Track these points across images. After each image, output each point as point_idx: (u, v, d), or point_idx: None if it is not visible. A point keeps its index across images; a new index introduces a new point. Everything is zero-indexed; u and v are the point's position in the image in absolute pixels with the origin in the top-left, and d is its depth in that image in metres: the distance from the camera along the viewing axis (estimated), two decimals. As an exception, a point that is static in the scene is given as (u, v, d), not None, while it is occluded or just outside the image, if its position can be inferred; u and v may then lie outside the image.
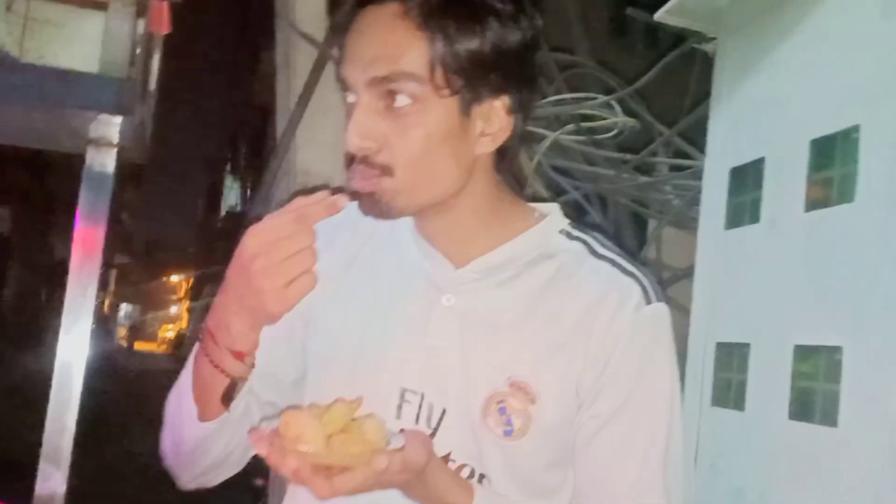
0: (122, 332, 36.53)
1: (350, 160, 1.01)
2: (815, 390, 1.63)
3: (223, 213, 26.40)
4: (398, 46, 0.97)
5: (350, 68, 1.00)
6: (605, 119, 2.50)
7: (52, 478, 1.76)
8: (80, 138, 1.83)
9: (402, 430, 1.00)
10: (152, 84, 2.00)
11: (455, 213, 1.08)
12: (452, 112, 1.00)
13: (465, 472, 1.05)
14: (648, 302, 1.07)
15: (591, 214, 2.73)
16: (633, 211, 2.83)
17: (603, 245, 1.14)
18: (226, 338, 1.00)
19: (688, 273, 2.71)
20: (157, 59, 2.03)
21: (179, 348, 13.75)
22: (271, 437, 0.89)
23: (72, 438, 1.81)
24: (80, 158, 1.88)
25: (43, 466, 1.78)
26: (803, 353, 1.67)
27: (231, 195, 25.99)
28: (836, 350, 1.57)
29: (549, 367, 1.05)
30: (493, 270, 1.09)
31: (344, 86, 1.02)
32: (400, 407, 1.08)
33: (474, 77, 0.99)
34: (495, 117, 1.03)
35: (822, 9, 1.73)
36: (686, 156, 2.67)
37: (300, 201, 0.94)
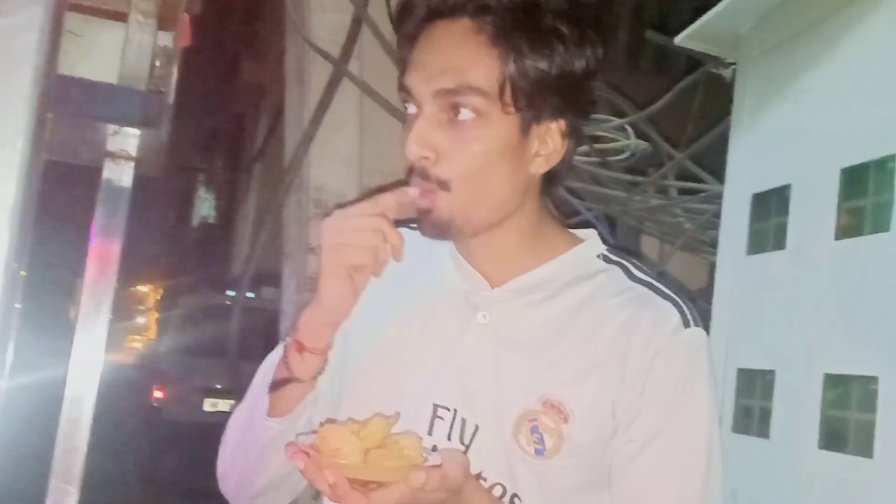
0: (87, 342, 35.91)
1: (408, 174, 1.02)
2: (847, 420, 1.62)
3: (195, 223, 26.19)
4: (468, 60, 0.99)
5: (415, 78, 1.01)
6: (617, 141, 2.50)
7: (68, 497, 1.71)
8: (99, 151, 1.78)
9: (434, 448, 1.00)
10: (171, 97, 1.96)
11: (500, 232, 1.09)
12: (513, 130, 1.01)
13: (496, 492, 1.04)
14: (686, 326, 1.09)
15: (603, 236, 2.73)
16: (641, 232, 2.83)
17: (640, 269, 1.15)
18: (298, 329, 1.02)
19: (696, 296, 2.72)
20: (175, 71, 1.99)
21: (147, 359, 13.60)
22: (308, 451, 0.88)
23: (83, 458, 1.76)
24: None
25: (55, 484, 1.72)
26: (834, 382, 1.67)
27: (204, 205, 25.81)
28: (870, 380, 1.56)
29: (583, 386, 1.05)
30: (530, 290, 1.10)
31: (405, 95, 1.03)
32: (432, 423, 1.08)
33: (537, 97, 1.01)
34: (551, 139, 1.05)
35: (854, 39, 1.73)
36: (695, 179, 2.67)
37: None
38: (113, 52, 1.84)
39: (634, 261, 1.16)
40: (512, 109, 1.00)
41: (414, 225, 1.18)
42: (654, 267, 2.71)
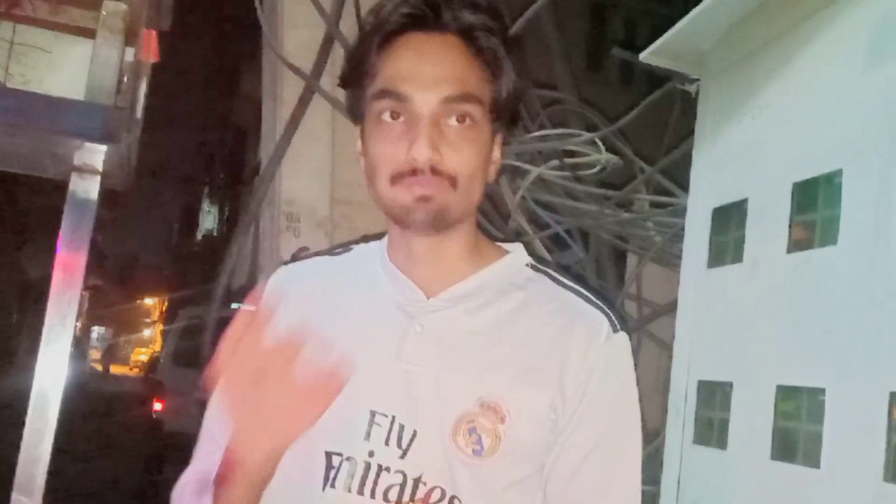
0: (94, 354, 36.19)
1: (409, 172, 1.06)
2: (797, 431, 1.64)
3: (199, 235, 26.26)
4: (466, 71, 1.08)
5: (416, 85, 1.06)
6: (588, 155, 2.52)
7: (26, 510, 1.73)
8: (65, 165, 1.81)
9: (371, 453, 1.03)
10: (139, 112, 1.99)
11: (449, 238, 1.16)
12: (489, 138, 1.12)
13: (436, 495, 1.07)
14: (615, 331, 1.15)
15: (574, 249, 2.75)
16: (615, 246, 2.85)
17: (565, 277, 1.20)
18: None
19: (669, 309, 2.73)
20: (144, 86, 2.03)
21: (153, 371, 13.63)
22: None
23: (46, 469, 1.78)
24: (50, 178, 1.89)
25: (15, 497, 1.74)
26: (786, 394, 1.69)
27: (208, 218, 25.88)
28: (818, 391, 1.58)
29: (521, 388, 1.09)
30: (465, 298, 1.15)
31: (392, 102, 1.07)
32: (370, 429, 1.09)
33: (503, 111, 1.12)
34: (497, 148, 1.15)
35: (806, 56, 1.76)
36: (667, 192, 2.69)
37: None
38: (81, 68, 1.88)
39: (558, 269, 1.21)
40: (492, 118, 1.10)
41: (338, 251, 1.23)
42: (620, 281, 2.73)
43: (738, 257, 1.91)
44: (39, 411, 1.79)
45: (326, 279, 1.21)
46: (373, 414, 1.09)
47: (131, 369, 36.10)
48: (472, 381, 1.08)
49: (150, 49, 1.97)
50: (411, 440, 1.08)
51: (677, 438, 2.03)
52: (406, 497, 1.06)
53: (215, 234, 23.68)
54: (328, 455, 1.09)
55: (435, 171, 1.04)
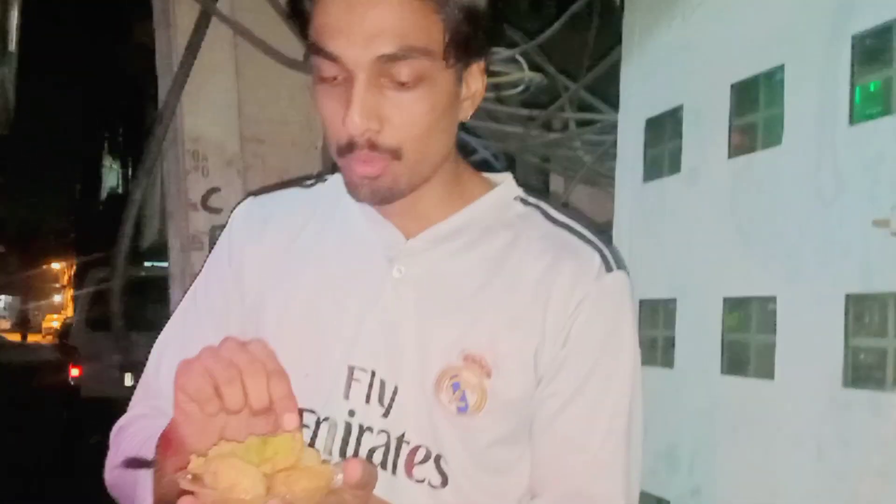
0: (3, 324, 35.12)
1: (347, 147, 0.92)
2: (748, 343, 1.59)
3: (104, 194, 25.40)
4: (406, 19, 0.89)
5: (345, 44, 0.89)
6: (510, 74, 2.41)
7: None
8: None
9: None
10: (12, 45, 1.80)
11: (426, 185, 1.02)
12: (452, 82, 0.94)
13: (420, 454, 0.99)
14: (609, 270, 1.03)
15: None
16: (541, 169, 2.77)
17: (559, 211, 1.11)
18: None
19: (603, 230, 2.67)
20: (16, 16, 1.83)
21: (66, 337, 13.32)
22: (198, 492, 0.75)
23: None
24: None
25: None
26: (734, 306, 1.63)
27: (111, 175, 25.04)
28: (769, 300, 1.53)
29: (506, 338, 0.99)
30: (447, 239, 1.05)
31: (324, 60, 0.90)
32: (349, 386, 1.00)
33: (471, 41, 0.94)
34: (473, 80, 0.99)
35: (739, -54, 1.67)
36: (592, 110, 2.61)
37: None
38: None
39: (551, 202, 1.12)
40: (453, 62, 0.92)
41: (310, 182, 1.11)
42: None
43: (675, 168, 1.83)
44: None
45: (299, 214, 1.09)
46: (351, 370, 1.00)
47: (44, 337, 35.17)
48: (456, 331, 0.99)
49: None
50: (393, 397, 0.99)
51: (620, 360, 1.98)
52: (390, 459, 0.97)
53: (120, 191, 22.99)
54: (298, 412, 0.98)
55: (373, 145, 0.91)
